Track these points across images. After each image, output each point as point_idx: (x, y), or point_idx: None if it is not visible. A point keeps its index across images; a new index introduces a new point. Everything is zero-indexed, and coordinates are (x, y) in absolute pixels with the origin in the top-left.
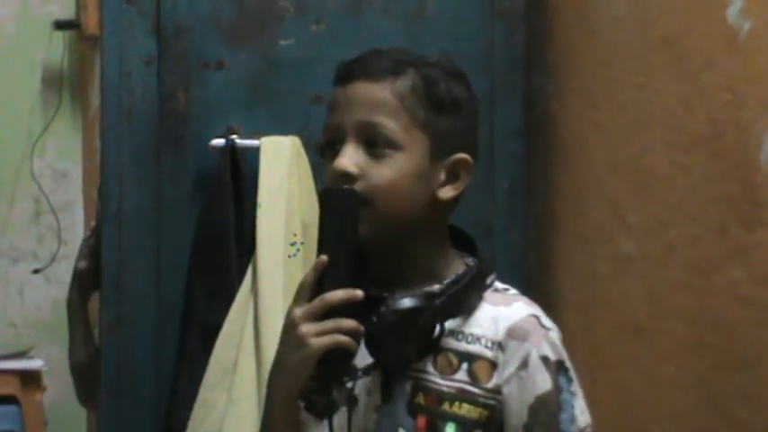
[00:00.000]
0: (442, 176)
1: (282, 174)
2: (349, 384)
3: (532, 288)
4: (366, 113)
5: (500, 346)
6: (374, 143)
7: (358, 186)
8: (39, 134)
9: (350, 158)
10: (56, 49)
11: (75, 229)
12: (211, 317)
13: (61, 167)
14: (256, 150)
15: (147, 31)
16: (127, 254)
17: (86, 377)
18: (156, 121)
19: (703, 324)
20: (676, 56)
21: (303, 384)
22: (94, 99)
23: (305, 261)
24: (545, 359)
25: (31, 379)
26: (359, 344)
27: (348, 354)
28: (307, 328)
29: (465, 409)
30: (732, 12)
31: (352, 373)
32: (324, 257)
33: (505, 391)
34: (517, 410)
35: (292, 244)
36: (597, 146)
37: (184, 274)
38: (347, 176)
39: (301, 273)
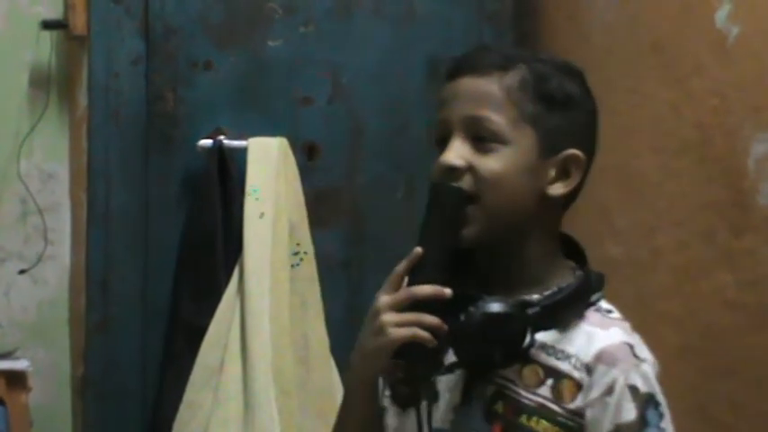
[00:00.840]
0: (553, 173)
1: (270, 175)
2: (435, 380)
3: None
4: (472, 108)
5: (587, 368)
6: (481, 137)
7: (465, 180)
8: (26, 134)
9: (456, 153)
10: (43, 49)
11: (62, 230)
12: (198, 318)
13: (48, 168)
14: (244, 151)
15: (135, 31)
16: (114, 254)
17: None
18: (143, 122)
19: (691, 329)
20: (665, 61)
21: (380, 371)
22: (82, 99)
23: (308, 270)
24: (633, 389)
25: (16, 379)
26: (442, 342)
27: (427, 349)
28: (388, 317)
29: (542, 426)
30: (720, 17)
31: (440, 368)
32: (419, 249)
33: (589, 414)
34: None
35: (295, 253)
36: None
37: (171, 275)
38: (453, 170)
39: (307, 284)
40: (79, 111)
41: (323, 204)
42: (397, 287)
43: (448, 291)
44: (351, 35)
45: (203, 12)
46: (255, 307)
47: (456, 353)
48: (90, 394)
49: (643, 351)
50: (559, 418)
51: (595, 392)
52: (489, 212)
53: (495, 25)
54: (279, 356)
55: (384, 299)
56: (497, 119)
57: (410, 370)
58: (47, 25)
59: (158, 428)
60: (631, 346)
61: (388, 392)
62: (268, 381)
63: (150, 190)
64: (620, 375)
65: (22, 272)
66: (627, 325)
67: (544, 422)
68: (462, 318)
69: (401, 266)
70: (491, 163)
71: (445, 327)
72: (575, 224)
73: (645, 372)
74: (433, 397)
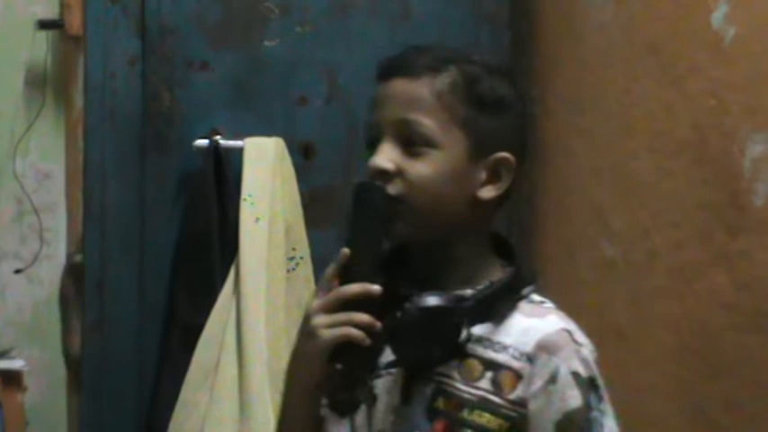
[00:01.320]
0: (483, 176)
1: (266, 175)
2: (372, 383)
3: None
4: (403, 111)
5: (528, 358)
6: (411, 141)
7: (395, 184)
8: (21, 134)
9: (386, 156)
10: (39, 48)
11: (58, 230)
12: (193, 317)
13: (44, 168)
14: (240, 151)
15: (132, 31)
16: (110, 254)
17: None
18: (139, 122)
19: (686, 330)
20: (661, 62)
21: (316, 376)
22: (78, 99)
23: (304, 273)
24: (575, 375)
25: (11, 379)
26: (376, 340)
27: (363, 350)
28: (319, 320)
29: (485, 419)
30: (716, 18)
31: (376, 371)
32: (346, 251)
33: (532, 405)
34: (543, 426)
35: (291, 258)
36: (581, 151)
37: (167, 275)
38: (383, 174)
39: (303, 286)
40: (75, 110)
41: (319, 204)
42: (328, 291)
43: (376, 287)
44: (347, 35)
45: (199, 12)
46: (251, 306)
47: (394, 350)
48: (85, 394)
49: (581, 336)
50: (501, 410)
51: (538, 382)
52: (418, 214)
53: (491, 25)
54: (274, 356)
55: (315, 303)
56: (428, 122)
57: (346, 373)
58: (43, 25)
59: (154, 428)
60: (570, 332)
61: (325, 401)
62: (263, 380)
63: (146, 190)
64: (562, 363)
65: (17, 271)
66: (562, 313)
67: (486, 415)
68: (399, 314)
69: (330, 269)
70: (420, 167)
71: (378, 324)
72: (570, 224)
73: (585, 356)
74: (372, 401)
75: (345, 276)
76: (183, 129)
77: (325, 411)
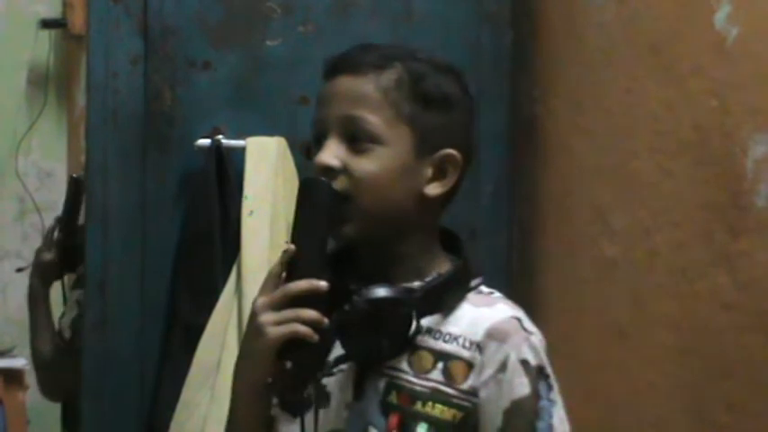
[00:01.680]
0: (429, 173)
1: (268, 175)
2: (323, 381)
3: (516, 292)
4: (348, 107)
5: (478, 346)
6: (356, 138)
7: (340, 181)
8: (24, 133)
9: (331, 153)
10: (42, 48)
11: None
12: (195, 317)
13: (46, 166)
14: (242, 151)
15: (134, 30)
16: (111, 254)
17: (50, 367)
18: (141, 121)
19: (687, 330)
20: (663, 61)
21: (264, 375)
22: (80, 98)
23: None
24: (525, 363)
25: (13, 378)
26: (324, 337)
27: (310, 346)
28: (265, 318)
29: (438, 410)
30: (719, 18)
31: (327, 369)
32: (291, 247)
33: (482, 394)
34: (492, 414)
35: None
36: (583, 151)
37: (168, 275)
38: (329, 171)
39: None
40: (77, 110)
41: None
42: (274, 288)
43: (323, 283)
44: (349, 35)
45: (202, 11)
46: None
47: (343, 344)
48: (87, 393)
49: (530, 324)
50: (454, 400)
51: (489, 370)
52: (365, 212)
53: (493, 25)
54: None
55: (260, 300)
56: (373, 119)
57: (295, 372)
58: (45, 24)
59: (155, 428)
60: (519, 320)
61: (275, 400)
62: None
63: (148, 189)
64: (511, 351)
65: (19, 270)
66: (510, 302)
67: (440, 406)
68: (347, 307)
69: (275, 267)
70: (366, 163)
71: (325, 320)
72: (571, 224)
73: (533, 344)
74: (324, 399)
75: (291, 273)
76: (185, 128)
77: (275, 411)
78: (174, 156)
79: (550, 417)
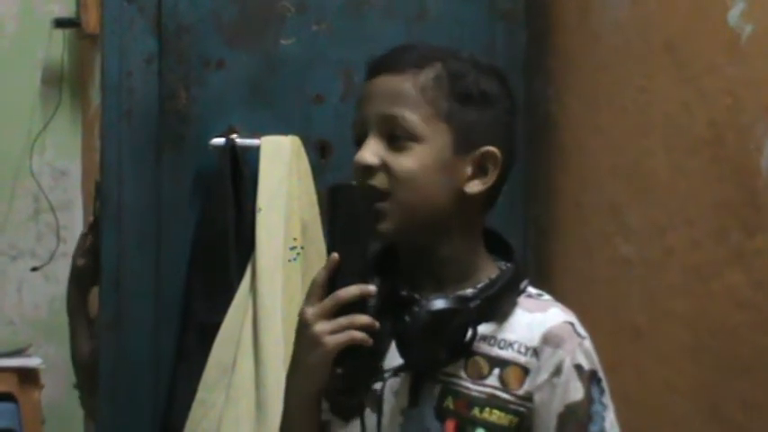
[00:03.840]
0: (469, 170)
1: (282, 173)
2: (376, 386)
3: None
4: (386, 106)
5: (534, 351)
6: (395, 135)
7: (379, 179)
8: (38, 132)
9: (370, 151)
10: (56, 47)
11: (74, 228)
12: (210, 316)
13: (60, 165)
14: (256, 150)
15: (148, 29)
16: (126, 253)
17: (92, 370)
18: (156, 120)
19: (702, 328)
20: (677, 60)
21: (322, 384)
22: (95, 97)
23: (305, 263)
24: (578, 368)
25: (28, 377)
26: (376, 340)
27: (365, 351)
28: (320, 327)
29: (495, 416)
30: (733, 15)
31: (379, 374)
32: (335, 255)
33: (537, 398)
34: (546, 418)
35: (292, 248)
36: (597, 149)
37: (183, 274)
38: (368, 169)
39: (300, 277)
40: (91, 109)
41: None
42: (321, 297)
43: (372, 287)
44: (363, 34)
45: (216, 10)
46: (268, 305)
47: (403, 355)
48: (102, 392)
49: (582, 328)
50: (510, 406)
51: (544, 375)
52: (403, 209)
53: (507, 24)
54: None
55: (310, 310)
56: (411, 117)
57: (350, 377)
58: (59, 23)
59: (170, 427)
60: (572, 325)
61: (326, 405)
62: (280, 379)
63: (163, 188)
64: (566, 356)
65: (34, 269)
66: (561, 305)
67: (497, 412)
68: (407, 318)
69: (320, 275)
70: (405, 161)
71: (377, 324)
72: (586, 223)
73: (587, 349)
74: (377, 404)
75: (336, 281)
76: (200, 127)
77: (327, 416)
78: (189, 155)
79: (603, 420)
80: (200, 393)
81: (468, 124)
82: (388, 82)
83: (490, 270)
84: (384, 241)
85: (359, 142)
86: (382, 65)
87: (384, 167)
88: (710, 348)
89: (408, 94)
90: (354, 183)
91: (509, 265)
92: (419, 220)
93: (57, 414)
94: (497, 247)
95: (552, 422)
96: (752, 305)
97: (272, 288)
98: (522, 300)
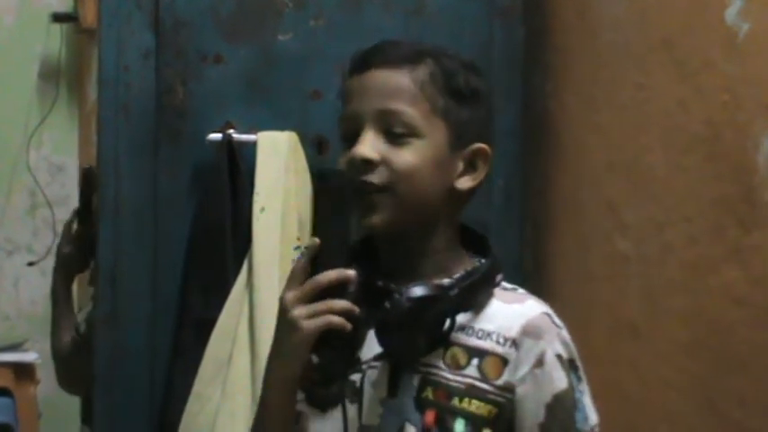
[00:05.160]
0: (461, 167)
1: (279, 169)
2: (353, 377)
3: (528, 287)
4: (385, 101)
5: (514, 342)
6: (394, 131)
7: (379, 173)
8: (35, 127)
9: (370, 145)
10: (53, 41)
11: None
12: (206, 311)
13: (57, 160)
14: (253, 145)
15: (146, 24)
16: (123, 247)
17: (68, 361)
18: (153, 115)
19: (699, 325)
20: (675, 57)
21: (299, 369)
22: (92, 92)
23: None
24: (559, 357)
25: (24, 372)
26: (355, 326)
27: (344, 337)
28: (299, 311)
29: (475, 406)
30: (731, 13)
31: (357, 365)
32: (316, 240)
33: (520, 390)
34: (533, 409)
35: (296, 248)
36: (595, 146)
37: (180, 269)
38: (368, 164)
39: None
40: (89, 103)
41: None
42: (301, 282)
43: (352, 272)
44: (361, 29)
45: (213, 5)
46: (264, 300)
47: (383, 343)
48: (98, 387)
49: (557, 319)
50: (489, 396)
51: (525, 366)
52: (400, 203)
53: (505, 20)
54: None
55: (290, 294)
56: (412, 112)
57: (326, 367)
58: (57, 18)
59: (166, 421)
60: (550, 316)
61: (302, 396)
62: None
63: (159, 183)
64: (547, 347)
65: (30, 264)
66: (536, 297)
67: (476, 402)
68: (387, 305)
69: (300, 260)
70: (406, 156)
71: (357, 309)
72: (583, 219)
73: (565, 338)
74: (355, 395)
75: (317, 266)
76: (197, 122)
77: (301, 407)
78: (186, 150)
79: (584, 406)
80: (197, 388)
81: (462, 121)
82: (384, 76)
83: (466, 264)
84: (369, 233)
85: (348, 138)
86: (374, 59)
87: (384, 162)
88: (707, 344)
89: (407, 90)
90: (340, 172)
91: (483, 260)
92: (412, 214)
93: (52, 409)
94: (471, 242)
95: (540, 413)
96: (749, 301)
97: (268, 283)
98: (497, 291)
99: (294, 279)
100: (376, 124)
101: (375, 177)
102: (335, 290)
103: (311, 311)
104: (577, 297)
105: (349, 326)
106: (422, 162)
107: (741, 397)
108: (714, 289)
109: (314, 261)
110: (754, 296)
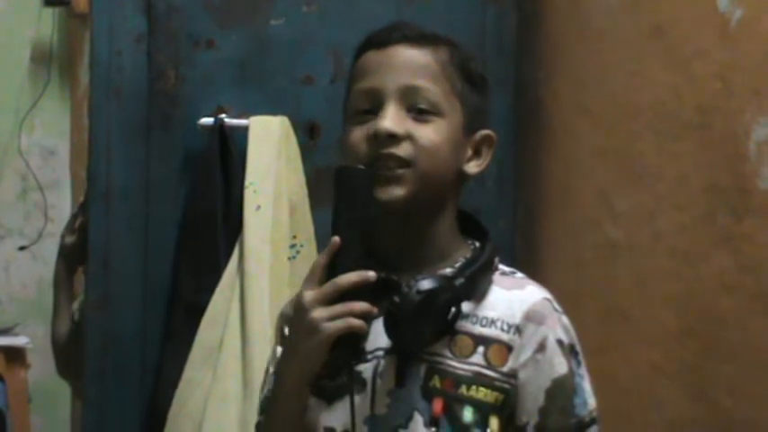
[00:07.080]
0: (470, 151)
1: (271, 154)
2: (360, 367)
3: None
4: (410, 77)
5: (517, 329)
6: (418, 107)
7: (404, 148)
8: (27, 111)
9: (394, 120)
10: (45, 25)
11: (62, 207)
12: (197, 296)
13: (49, 145)
14: (245, 130)
15: (138, 9)
16: (114, 232)
17: (65, 349)
18: (145, 100)
19: (690, 312)
20: (667, 44)
21: (317, 369)
22: (83, 76)
23: (304, 255)
24: (560, 342)
25: (15, 356)
26: (370, 326)
27: (359, 337)
28: (319, 313)
29: (482, 393)
30: (723, 0)
31: (362, 355)
32: (337, 239)
33: (522, 375)
34: (533, 394)
35: (292, 246)
36: (586, 133)
37: (171, 253)
38: (392, 137)
39: (309, 263)
40: (80, 88)
41: (324, 183)
42: (321, 281)
43: (372, 274)
44: (353, 14)
45: None
46: (255, 285)
47: (392, 336)
48: (89, 371)
49: (557, 304)
50: (496, 383)
51: (527, 352)
52: (420, 179)
53: (497, 7)
54: None
55: (309, 295)
56: (435, 89)
57: (337, 362)
58: (49, 2)
59: (157, 405)
60: (550, 301)
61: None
62: (266, 358)
63: (151, 168)
64: (548, 332)
65: (22, 248)
66: (535, 281)
67: (483, 389)
68: (397, 300)
69: (321, 258)
70: (430, 132)
71: (375, 310)
72: (575, 206)
73: (565, 323)
74: (360, 385)
75: (336, 265)
76: (189, 107)
77: (311, 400)
78: (178, 134)
79: (584, 391)
80: (188, 372)
81: (473, 106)
82: (408, 53)
83: (464, 250)
84: (394, 206)
85: (368, 111)
86: (396, 35)
87: (408, 137)
88: (698, 332)
89: (431, 68)
90: (361, 167)
91: (477, 244)
92: (429, 192)
93: (43, 393)
94: (466, 226)
95: (540, 397)
96: (739, 289)
97: (259, 268)
98: (496, 277)
99: (313, 277)
100: (400, 99)
101: (400, 151)
102: (355, 289)
103: (331, 314)
104: (568, 284)
105: (367, 328)
106: (442, 141)
107: (731, 384)
108: (705, 276)
109: (336, 259)
110: (744, 283)
